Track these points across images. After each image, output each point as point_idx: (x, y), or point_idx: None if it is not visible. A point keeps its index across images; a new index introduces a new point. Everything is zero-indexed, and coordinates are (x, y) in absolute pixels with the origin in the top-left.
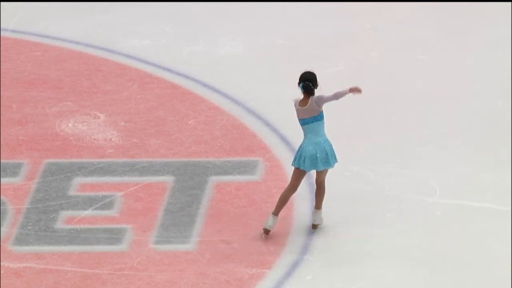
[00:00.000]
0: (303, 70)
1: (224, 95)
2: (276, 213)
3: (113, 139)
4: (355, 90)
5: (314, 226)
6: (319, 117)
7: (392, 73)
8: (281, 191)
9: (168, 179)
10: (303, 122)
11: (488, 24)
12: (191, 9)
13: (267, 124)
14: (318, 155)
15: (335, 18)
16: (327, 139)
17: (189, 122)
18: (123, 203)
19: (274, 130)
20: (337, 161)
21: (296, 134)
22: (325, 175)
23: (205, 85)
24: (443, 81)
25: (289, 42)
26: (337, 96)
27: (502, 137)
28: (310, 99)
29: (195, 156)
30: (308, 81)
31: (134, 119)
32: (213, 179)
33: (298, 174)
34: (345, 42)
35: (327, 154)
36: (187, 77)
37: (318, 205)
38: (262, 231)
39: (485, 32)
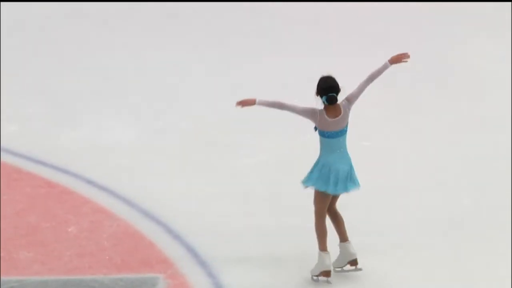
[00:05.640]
0: (214, 160)
1: (113, 194)
2: (324, 248)
3: None
4: (398, 59)
5: (353, 263)
6: (347, 127)
7: None
8: None
9: None
10: (332, 135)
11: None
12: (68, 85)
13: (168, 230)
14: (351, 173)
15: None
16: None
17: (69, 230)
18: None
19: (178, 237)
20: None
21: (207, 242)
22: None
23: (89, 181)
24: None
25: (195, 125)
26: (371, 78)
27: None
28: (340, 106)
29: (77, 272)
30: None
31: None
32: None
33: (323, 199)
34: (266, 126)
35: (351, 172)
36: (65, 171)
37: (343, 237)
38: (325, 278)
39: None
